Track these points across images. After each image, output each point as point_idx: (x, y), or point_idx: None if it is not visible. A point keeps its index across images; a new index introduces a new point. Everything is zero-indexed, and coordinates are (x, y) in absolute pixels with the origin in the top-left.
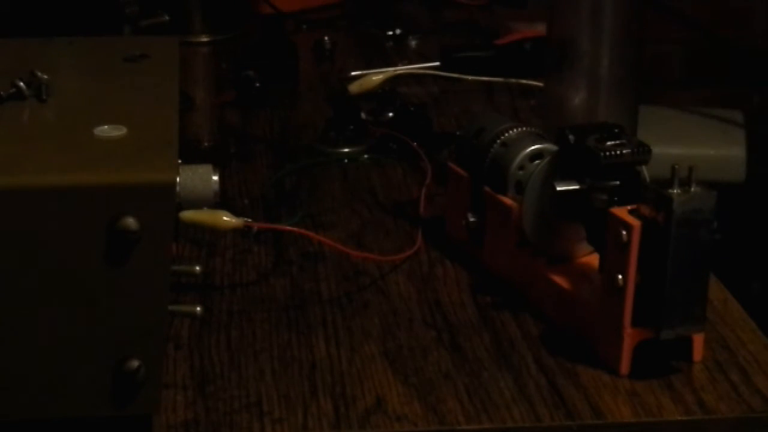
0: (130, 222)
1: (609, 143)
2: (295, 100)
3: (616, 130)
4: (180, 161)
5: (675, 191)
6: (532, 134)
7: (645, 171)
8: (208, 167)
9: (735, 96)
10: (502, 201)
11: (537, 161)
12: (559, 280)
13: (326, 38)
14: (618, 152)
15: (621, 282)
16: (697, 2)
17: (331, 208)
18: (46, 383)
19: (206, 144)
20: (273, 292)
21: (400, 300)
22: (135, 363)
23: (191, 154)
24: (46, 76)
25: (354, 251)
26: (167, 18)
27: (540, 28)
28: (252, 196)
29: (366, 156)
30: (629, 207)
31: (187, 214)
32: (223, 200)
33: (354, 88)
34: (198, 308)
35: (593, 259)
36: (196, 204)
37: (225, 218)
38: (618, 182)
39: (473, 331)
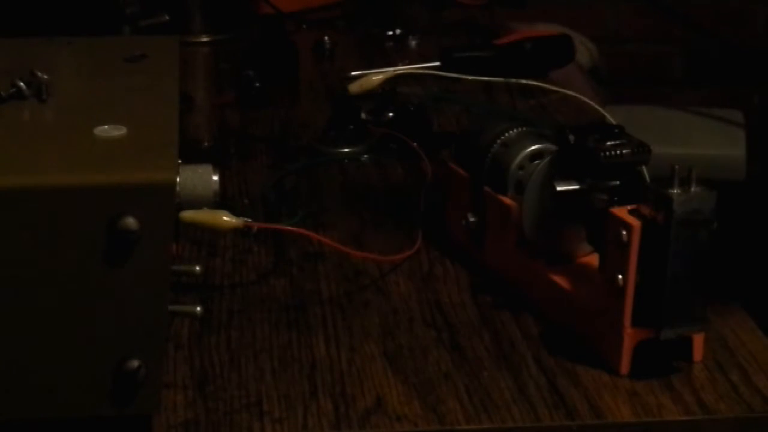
0: (130, 222)
1: (609, 143)
2: (295, 100)
3: (616, 130)
4: (180, 161)
5: (675, 191)
6: (532, 134)
7: (645, 171)
8: (208, 167)
9: (735, 96)
10: (502, 201)
11: (537, 161)
12: (559, 280)
13: (326, 38)
14: (618, 152)
15: (621, 282)
16: (697, 2)
17: (331, 208)
18: (46, 383)
19: (206, 144)
20: (273, 292)
21: (400, 300)
22: (135, 363)
23: (191, 154)
24: (46, 76)
25: (354, 251)
26: (167, 18)
27: (540, 28)
28: (252, 196)
29: (366, 156)
30: (629, 207)
31: (187, 214)
32: (223, 200)
33: (354, 88)
34: (198, 308)
35: (593, 259)
36: (196, 204)
37: (225, 218)
38: (618, 182)
39: (473, 331)
